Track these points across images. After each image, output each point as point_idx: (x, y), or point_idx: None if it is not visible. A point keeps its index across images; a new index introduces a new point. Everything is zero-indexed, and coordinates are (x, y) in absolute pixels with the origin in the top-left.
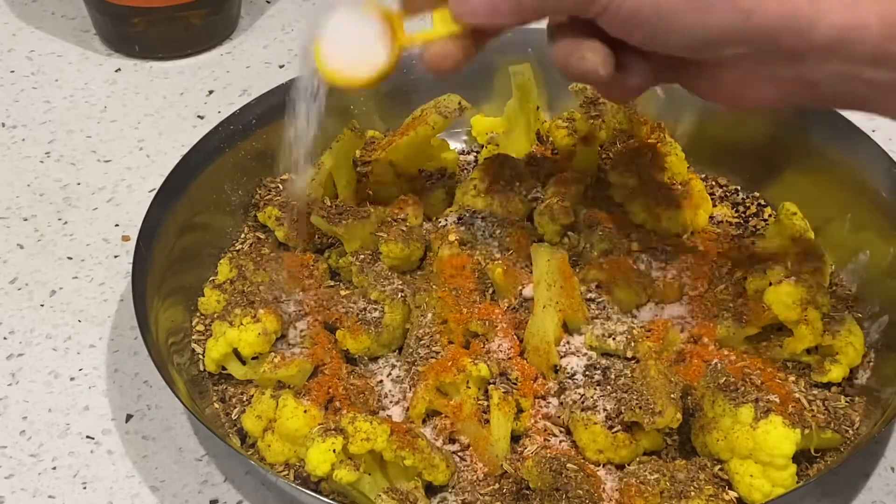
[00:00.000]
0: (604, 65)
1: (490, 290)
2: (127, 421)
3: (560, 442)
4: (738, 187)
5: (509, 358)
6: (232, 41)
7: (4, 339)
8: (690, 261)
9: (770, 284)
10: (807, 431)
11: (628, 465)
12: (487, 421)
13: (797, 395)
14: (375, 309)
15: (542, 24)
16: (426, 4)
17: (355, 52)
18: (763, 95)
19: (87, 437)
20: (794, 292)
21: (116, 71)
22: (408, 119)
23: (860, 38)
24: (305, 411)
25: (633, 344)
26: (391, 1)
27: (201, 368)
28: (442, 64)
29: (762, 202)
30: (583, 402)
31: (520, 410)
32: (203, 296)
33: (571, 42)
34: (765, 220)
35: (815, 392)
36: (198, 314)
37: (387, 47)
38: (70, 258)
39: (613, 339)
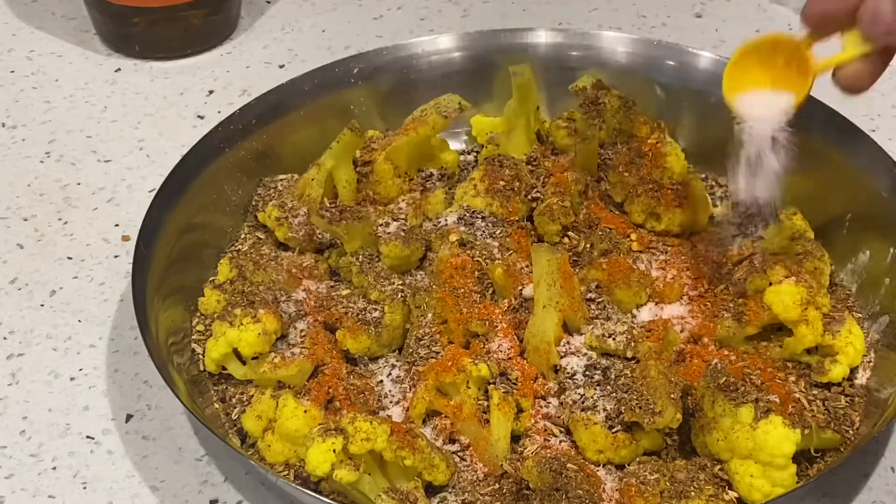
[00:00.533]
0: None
1: (490, 290)
2: (127, 421)
3: (560, 442)
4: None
5: (509, 358)
6: (232, 41)
7: (4, 339)
8: (690, 261)
9: (770, 284)
10: (807, 431)
11: (628, 465)
12: (487, 421)
13: (797, 395)
14: (375, 309)
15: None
16: (834, 28)
17: (769, 90)
18: None
19: (87, 437)
20: (794, 292)
21: (116, 71)
22: (408, 119)
23: None
24: (305, 411)
25: (633, 344)
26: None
27: (201, 368)
28: (857, 84)
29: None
30: (583, 402)
31: (520, 410)
32: (203, 296)
33: None
34: (765, 221)
35: (815, 392)
36: (198, 314)
37: (799, 76)
38: (70, 258)
39: (613, 339)
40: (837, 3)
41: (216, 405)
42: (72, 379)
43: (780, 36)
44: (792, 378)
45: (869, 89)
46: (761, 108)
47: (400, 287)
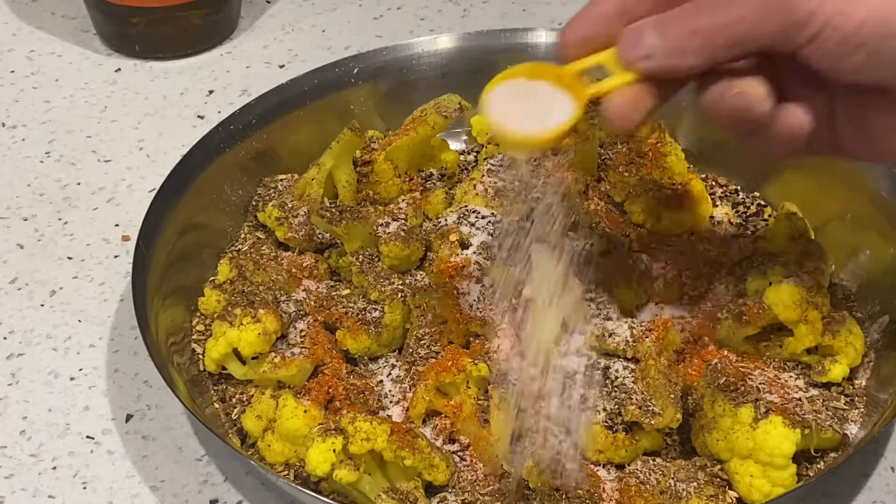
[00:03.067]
0: (765, 99)
1: (490, 290)
2: (127, 421)
3: (560, 442)
4: (738, 187)
5: (509, 358)
6: (232, 41)
7: (4, 339)
8: (690, 261)
9: (770, 284)
10: (807, 431)
11: (628, 465)
12: (487, 421)
13: (797, 395)
14: (375, 309)
15: (541, 27)
16: (584, 49)
17: (531, 115)
18: None
19: (87, 437)
20: (794, 292)
21: (116, 71)
22: (408, 119)
23: None
24: (305, 411)
25: (633, 344)
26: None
27: (201, 368)
28: (627, 117)
29: (762, 202)
30: (583, 403)
31: (520, 410)
32: (203, 296)
33: (728, 81)
34: (765, 220)
35: (815, 392)
36: (198, 314)
37: (564, 105)
38: (70, 258)
39: (613, 339)
40: (596, 26)
41: (216, 405)
42: (72, 379)
43: (543, 64)
44: (792, 378)
45: (640, 125)
46: (517, 128)
47: (400, 287)
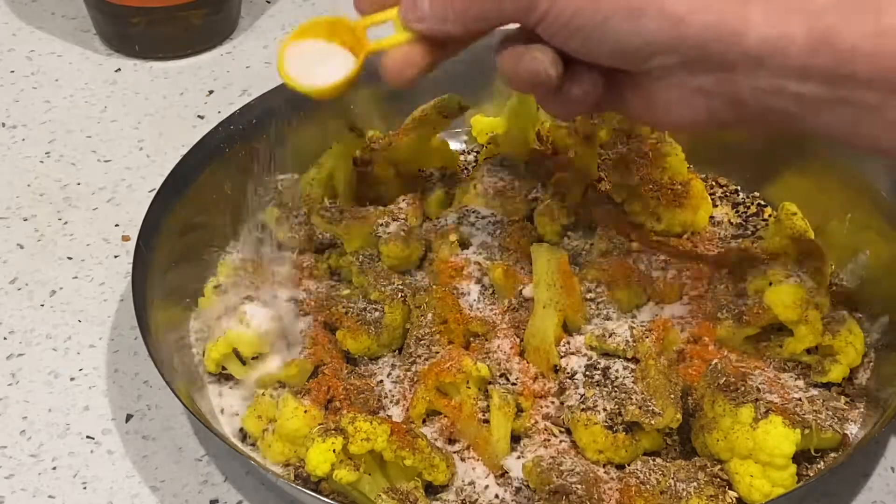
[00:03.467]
0: (553, 64)
1: (490, 290)
2: (127, 421)
3: (560, 442)
4: (738, 187)
5: (509, 358)
6: (232, 41)
7: (4, 339)
8: (690, 261)
9: (770, 284)
10: (807, 431)
11: (628, 465)
12: (487, 421)
13: (797, 395)
14: (375, 309)
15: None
16: (376, 7)
17: (318, 62)
18: (692, 113)
19: (87, 437)
20: (794, 292)
21: (116, 71)
22: (408, 119)
23: (786, 50)
24: (305, 411)
25: (633, 344)
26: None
27: (201, 369)
28: (401, 72)
29: (762, 202)
30: (583, 403)
31: (520, 410)
32: (203, 296)
33: (519, 48)
34: (765, 220)
35: (815, 392)
36: (198, 314)
37: (349, 56)
38: (70, 258)
39: (613, 339)
40: None
41: (216, 405)
42: (72, 379)
43: (338, 18)
44: (792, 378)
45: (414, 82)
46: (305, 73)
47: (400, 287)
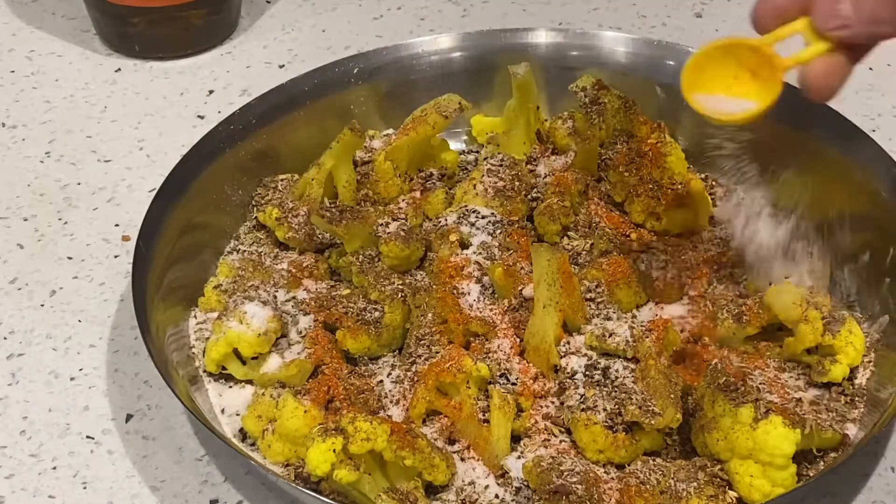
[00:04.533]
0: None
1: (490, 290)
2: (127, 421)
3: (560, 442)
4: (739, 187)
5: (509, 358)
6: (232, 41)
7: (4, 339)
8: (690, 261)
9: (770, 284)
10: (807, 431)
11: (628, 465)
12: (487, 421)
13: (797, 395)
14: (375, 309)
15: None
16: (780, 22)
17: (728, 86)
18: None
19: (87, 437)
20: (794, 292)
21: (116, 71)
22: (408, 119)
23: None
24: (305, 411)
25: (633, 344)
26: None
27: (201, 368)
28: (827, 85)
29: (762, 202)
30: (583, 402)
31: (520, 410)
32: (203, 296)
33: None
34: None
35: (815, 392)
36: (197, 314)
37: (764, 80)
38: (70, 258)
39: (613, 339)
40: (784, 5)
41: (216, 405)
42: (72, 379)
43: (739, 40)
44: (792, 378)
45: (838, 92)
46: (726, 110)
47: (400, 287)
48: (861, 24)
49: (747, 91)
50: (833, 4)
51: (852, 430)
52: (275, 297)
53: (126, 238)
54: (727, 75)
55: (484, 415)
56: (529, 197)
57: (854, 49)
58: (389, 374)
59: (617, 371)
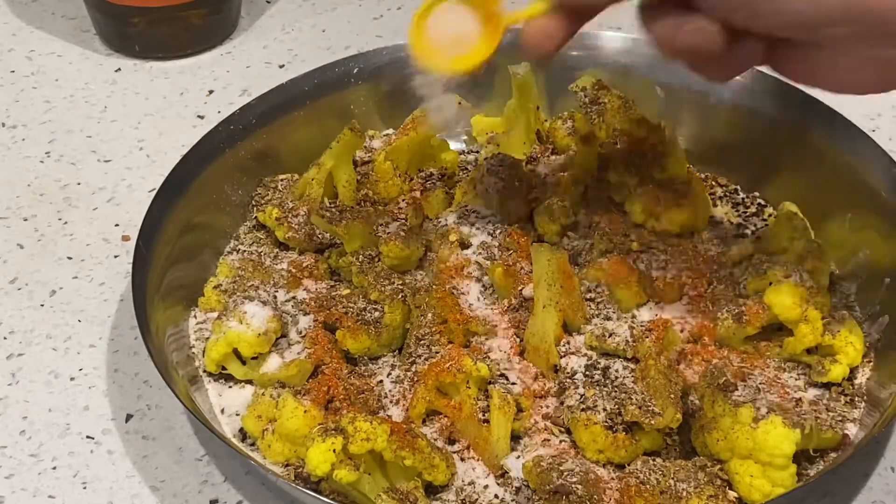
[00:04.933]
0: (718, 33)
1: (490, 290)
2: (127, 421)
3: (560, 442)
4: (738, 187)
5: (509, 358)
6: (232, 41)
7: (4, 339)
8: (690, 261)
9: (770, 284)
10: (807, 431)
11: (628, 465)
12: (487, 421)
13: (797, 395)
14: (375, 309)
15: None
16: None
17: (454, 38)
18: (860, 78)
19: (87, 437)
20: (794, 292)
21: (116, 71)
22: (408, 119)
23: None
24: (305, 411)
25: (633, 344)
26: None
27: (201, 368)
28: (541, 45)
29: (762, 202)
30: (583, 402)
31: (520, 410)
32: (203, 296)
33: (676, 18)
34: (765, 220)
35: (815, 392)
36: (198, 314)
37: (484, 31)
38: (70, 258)
39: (613, 339)
40: None
41: (216, 405)
42: (72, 379)
43: None
44: (792, 378)
45: (553, 55)
46: (440, 51)
47: (400, 287)
48: None
49: (469, 34)
50: None
51: (852, 430)
52: (275, 297)
53: (126, 238)
54: (461, 27)
55: (484, 415)
56: (529, 197)
57: (572, 13)
58: (389, 374)
59: (617, 371)
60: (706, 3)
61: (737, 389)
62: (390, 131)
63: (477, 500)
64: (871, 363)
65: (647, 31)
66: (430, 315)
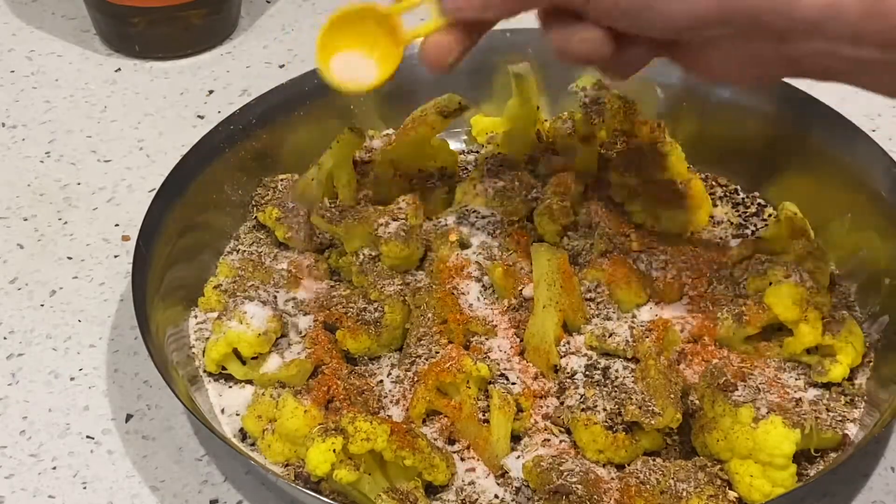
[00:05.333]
0: (604, 43)
1: (490, 290)
2: (127, 421)
3: (560, 442)
4: (738, 187)
5: (509, 358)
6: (232, 41)
7: (4, 339)
8: (690, 261)
9: (770, 284)
10: (807, 431)
11: (628, 465)
12: (487, 421)
13: (797, 395)
14: (375, 309)
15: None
16: None
17: (355, 56)
18: (748, 72)
19: (87, 437)
20: (794, 292)
21: (116, 71)
22: (408, 119)
23: (840, 16)
24: (305, 411)
25: (633, 344)
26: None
27: (201, 368)
28: (439, 59)
29: (762, 202)
30: (583, 402)
31: (520, 410)
32: (203, 296)
33: (568, 28)
34: (765, 220)
35: (815, 392)
36: (198, 314)
37: (384, 47)
38: (70, 258)
39: (613, 339)
40: None
41: (215, 405)
42: (72, 379)
43: (371, 6)
44: (792, 378)
45: (453, 68)
46: (352, 73)
47: (400, 287)
48: (474, 10)
49: (370, 51)
50: None
51: (852, 430)
52: (275, 297)
53: (126, 238)
54: (364, 41)
55: (484, 415)
56: (529, 197)
57: (475, 28)
58: (389, 374)
59: (617, 371)
60: (592, 14)
61: (737, 389)
62: (390, 131)
63: (477, 500)
64: (871, 363)
65: (545, 36)
66: (430, 315)
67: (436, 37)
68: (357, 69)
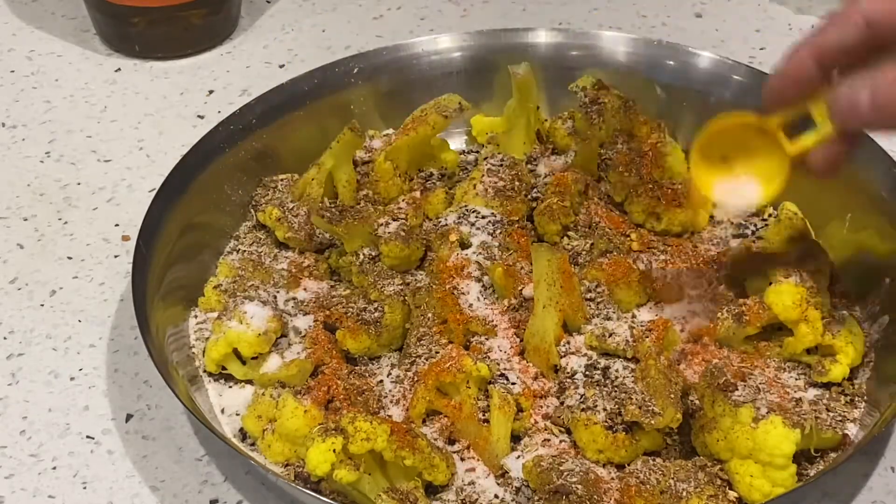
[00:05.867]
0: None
1: (490, 290)
2: (127, 421)
3: (560, 442)
4: None
5: (509, 358)
6: (232, 41)
7: (4, 339)
8: (690, 261)
9: (770, 284)
10: (807, 431)
11: (628, 465)
12: (487, 421)
13: (797, 395)
14: (375, 309)
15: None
16: (796, 102)
17: (742, 176)
18: None
19: (87, 437)
20: (794, 292)
21: (116, 71)
22: (408, 119)
23: None
24: (305, 411)
25: (633, 344)
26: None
27: (201, 368)
28: (834, 169)
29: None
30: (583, 402)
31: (520, 410)
32: (203, 296)
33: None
34: (765, 220)
35: (815, 392)
36: (198, 314)
37: (773, 161)
38: (70, 258)
39: (613, 339)
40: (795, 89)
41: (215, 405)
42: (72, 379)
43: (747, 118)
44: (792, 378)
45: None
46: (735, 195)
47: (400, 287)
48: (877, 120)
49: (752, 167)
50: (853, 97)
51: (852, 430)
52: (275, 297)
53: (126, 238)
54: (729, 150)
55: (484, 415)
56: (529, 197)
57: (854, 136)
58: (389, 374)
59: (617, 371)
60: (868, 125)
61: (737, 389)
62: (390, 131)
63: (477, 500)
64: (871, 363)
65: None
66: (430, 315)
67: (822, 150)
68: (736, 186)
